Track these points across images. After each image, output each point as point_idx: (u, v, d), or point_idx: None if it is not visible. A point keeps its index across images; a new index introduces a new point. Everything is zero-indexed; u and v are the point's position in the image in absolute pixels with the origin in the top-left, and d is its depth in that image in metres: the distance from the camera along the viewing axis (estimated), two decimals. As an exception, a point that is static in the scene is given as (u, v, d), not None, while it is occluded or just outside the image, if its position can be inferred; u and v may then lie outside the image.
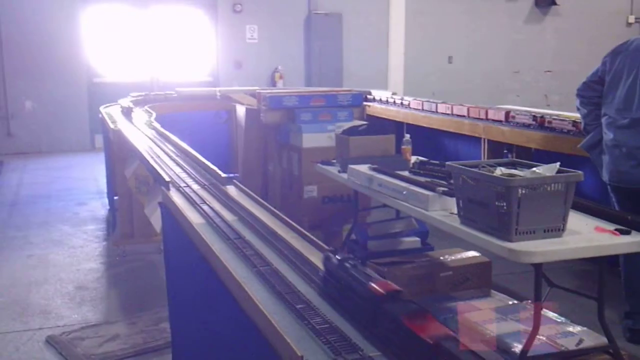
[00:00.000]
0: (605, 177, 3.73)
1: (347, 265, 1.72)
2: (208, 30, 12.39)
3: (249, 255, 2.13)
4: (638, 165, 3.54)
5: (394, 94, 7.77)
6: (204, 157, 3.79)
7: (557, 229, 2.63)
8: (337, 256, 1.80)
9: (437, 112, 6.31)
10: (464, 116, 5.84)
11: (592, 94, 3.81)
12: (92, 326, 4.13)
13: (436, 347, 1.29)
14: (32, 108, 11.57)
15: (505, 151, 5.29)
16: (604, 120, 3.72)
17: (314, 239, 2.29)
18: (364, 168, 3.83)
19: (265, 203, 2.86)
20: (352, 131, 4.39)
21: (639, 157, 3.54)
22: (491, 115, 5.48)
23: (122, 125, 5.60)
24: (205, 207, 2.76)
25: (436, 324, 1.38)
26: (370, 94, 7.42)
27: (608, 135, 3.69)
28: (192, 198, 2.93)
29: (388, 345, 1.45)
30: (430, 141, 6.56)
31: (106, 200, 7.28)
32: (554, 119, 4.80)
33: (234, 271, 1.94)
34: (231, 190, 3.07)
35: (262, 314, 1.64)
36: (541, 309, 2.87)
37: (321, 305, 1.72)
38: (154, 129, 5.32)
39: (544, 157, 4.79)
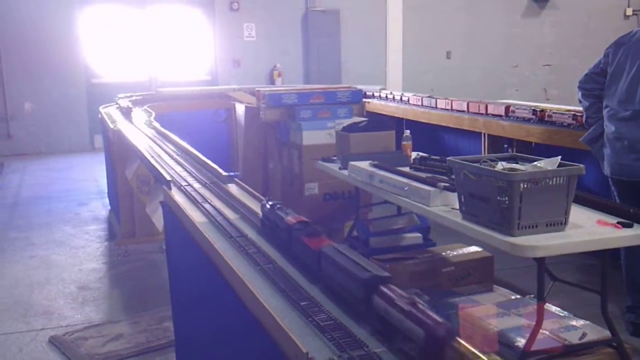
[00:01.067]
0: (606, 170, 3.72)
1: (275, 208, 2.29)
2: (206, 29, 12.38)
3: (252, 253, 2.13)
4: (639, 159, 3.53)
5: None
6: (204, 156, 3.79)
7: (559, 223, 2.63)
8: (269, 203, 2.36)
9: (436, 107, 6.31)
10: (463, 111, 5.84)
11: (594, 86, 3.80)
12: (95, 326, 4.13)
13: (319, 253, 1.90)
14: (32, 109, 11.57)
15: (505, 146, 5.29)
16: (605, 112, 3.71)
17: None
18: (364, 164, 3.83)
19: (267, 201, 2.86)
20: (352, 128, 4.39)
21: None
22: (491, 110, 5.48)
23: (122, 125, 5.60)
24: (207, 206, 2.76)
25: (325, 240, 1.96)
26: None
27: (609, 128, 3.68)
28: (193, 197, 2.93)
29: (297, 260, 2.04)
30: (430, 137, 6.57)
31: (107, 201, 7.29)
32: (554, 112, 4.80)
33: (237, 269, 1.94)
34: (232, 188, 3.07)
35: (267, 311, 1.64)
36: (544, 303, 2.87)
37: (325, 302, 1.72)
38: (154, 128, 5.32)
39: (544, 151, 4.80)
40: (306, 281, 1.89)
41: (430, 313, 1.38)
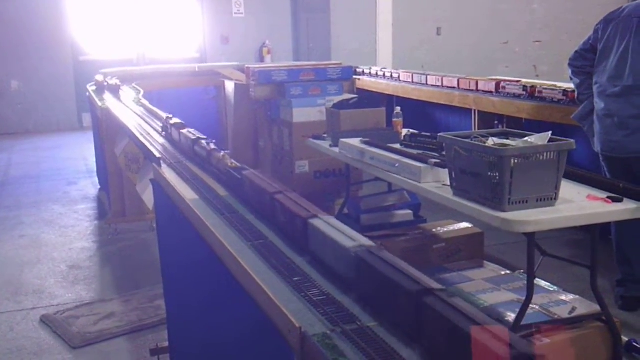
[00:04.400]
0: (597, 147, 3.73)
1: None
2: (194, 6, 12.26)
3: (244, 230, 2.13)
4: (630, 135, 3.54)
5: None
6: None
7: (549, 198, 2.64)
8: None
9: (427, 84, 6.30)
10: (454, 88, 5.83)
11: (584, 63, 3.79)
12: (87, 304, 4.13)
13: (272, 196, 2.12)
14: (19, 88, 11.45)
15: (495, 122, 5.30)
16: (595, 89, 3.71)
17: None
18: (355, 142, 3.82)
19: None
20: (342, 105, 4.38)
21: (631, 126, 3.53)
22: (481, 86, 5.48)
23: (110, 103, 5.55)
24: (197, 183, 2.75)
25: (276, 185, 2.24)
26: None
27: (599, 105, 3.69)
28: (184, 174, 2.91)
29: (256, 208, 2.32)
30: (421, 113, 6.56)
31: (96, 180, 7.25)
32: (544, 88, 4.80)
33: (229, 246, 1.93)
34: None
35: (259, 287, 1.64)
36: (534, 278, 2.89)
37: (318, 278, 1.72)
38: (143, 106, 5.28)
39: (534, 127, 4.80)
40: (299, 256, 1.88)
41: None
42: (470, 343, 1.13)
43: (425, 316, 1.29)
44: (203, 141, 3.00)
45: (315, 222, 1.84)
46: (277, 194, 2.14)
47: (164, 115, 4.11)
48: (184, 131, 3.31)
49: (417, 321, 1.32)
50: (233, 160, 2.70)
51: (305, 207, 1.99)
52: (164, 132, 3.82)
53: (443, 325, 1.23)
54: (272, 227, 2.13)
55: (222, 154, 2.78)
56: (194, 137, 3.12)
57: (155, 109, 4.90)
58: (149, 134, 4.01)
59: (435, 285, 1.38)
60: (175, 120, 3.63)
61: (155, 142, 3.70)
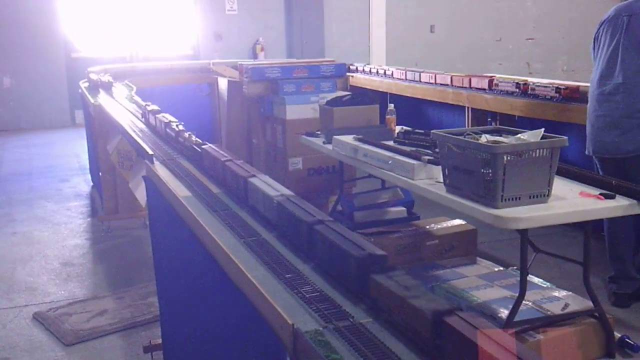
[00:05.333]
0: (588, 149, 3.72)
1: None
2: (187, 3, 12.22)
3: (236, 227, 2.12)
4: (622, 135, 3.54)
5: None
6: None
7: (542, 195, 2.65)
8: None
9: (420, 81, 6.30)
10: (447, 85, 5.84)
11: None
12: (80, 302, 4.12)
13: (223, 163, 2.44)
14: (11, 85, 11.39)
15: (489, 119, 5.31)
16: (590, 89, 3.73)
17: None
18: (348, 139, 3.82)
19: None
20: (336, 102, 4.37)
21: (623, 126, 3.53)
22: (475, 83, 5.48)
23: (103, 100, 5.53)
24: (190, 180, 2.74)
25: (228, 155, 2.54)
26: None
27: (591, 106, 3.70)
28: (176, 171, 2.90)
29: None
30: (414, 111, 6.56)
31: (89, 177, 7.23)
32: (537, 86, 4.81)
33: (222, 243, 1.93)
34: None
35: (252, 284, 1.63)
36: (527, 274, 2.90)
37: (310, 274, 1.72)
38: (135, 103, 5.26)
39: (527, 124, 4.81)
40: (293, 256, 1.88)
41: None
42: (343, 255, 1.59)
43: (316, 240, 1.76)
44: (173, 124, 3.48)
45: (253, 180, 2.29)
46: (228, 161, 2.56)
47: (143, 102, 4.53)
48: (159, 116, 3.80)
49: (309, 242, 1.80)
50: (196, 138, 3.12)
51: (248, 170, 2.43)
52: (143, 119, 4.31)
53: (328, 245, 1.69)
54: (222, 188, 2.54)
55: (187, 133, 3.22)
56: (166, 121, 3.59)
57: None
58: (141, 130, 4.00)
59: (326, 217, 1.86)
60: (153, 107, 4.12)
61: (147, 140, 3.69)
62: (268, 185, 2.21)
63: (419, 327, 1.27)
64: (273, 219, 2.07)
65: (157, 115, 3.84)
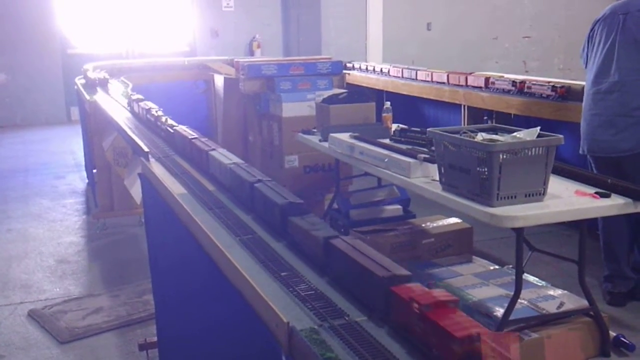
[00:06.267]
0: (583, 148, 3.72)
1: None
2: (183, -1, 12.20)
3: (232, 225, 2.12)
4: (618, 133, 3.54)
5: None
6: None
7: (538, 193, 2.65)
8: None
9: (417, 79, 6.30)
10: (443, 83, 5.84)
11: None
12: (75, 299, 4.11)
13: (190, 140, 2.87)
14: (6, 81, 11.36)
15: (485, 117, 5.31)
16: (586, 88, 3.73)
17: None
18: (345, 136, 3.82)
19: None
20: (332, 100, 4.37)
21: (619, 125, 3.53)
22: (471, 81, 5.48)
23: (99, 96, 5.52)
24: (186, 178, 2.73)
25: (195, 134, 3.03)
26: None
27: (586, 104, 3.70)
28: (172, 169, 2.90)
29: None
30: (411, 109, 6.56)
31: (84, 174, 7.21)
32: (534, 84, 4.81)
33: (217, 240, 1.93)
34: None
35: (247, 282, 1.63)
36: (522, 273, 2.91)
37: (306, 272, 1.72)
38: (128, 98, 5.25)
39: (523, 122, 4.81)
40: (287, 251, 1.88)
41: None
42: (272, 204, 2.02)
43: (256, 195, 2.18)
44: (153, 110, 3.90)
45: (213, 153, 2.70)
46: (194, 139, 2.98)
47: (128, 92, 4.96)
48: (141, 104, 4.22)
49: (251, 197, 2.22)
50: (171, 121, 3.54)
51: (210, 145, 2.84)
52: (128, 107, 4.71)
53: (263, 198, 2.11)
54: (190, 163, 2.95)
55: (164, 118, 3.64)
56: (147, 108, 4.02)
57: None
58: (137, 127, 3.99)
59: (266, 178, 2.27)
60: (137, 96, 4.57)
61: (143, 137, 3.68)
62: (224, 157, 2.62)
63: (316, 250, 1.74)
64: (226, 182, 2.50)
65: (139, 103, 4.24)
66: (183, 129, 3.28)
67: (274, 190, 2.12)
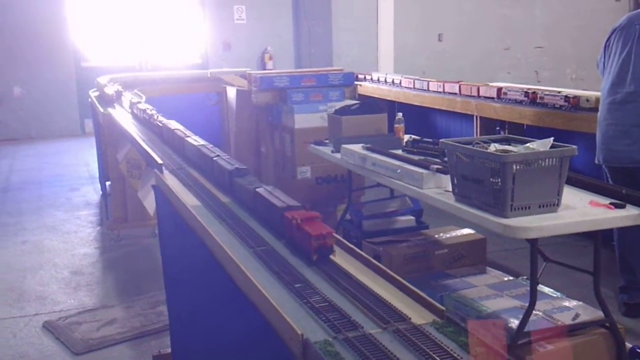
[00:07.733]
0: (599, 158, 3.71)
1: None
2: (196, 12, 12.28)
3: (246, 236, 2.13)
4: (633, 144, 3.52)
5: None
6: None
7: (552, 204, 2.64)
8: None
9: (428, 90, 6.31)
10: (456, 94, 5.84)
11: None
12: (89, 311, 4.13)
13: (173, 131, 3.53)
14: (21, 94, 11.47)
15: (497, 128, 5.30)
16: (601, 98, 3.72)
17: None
18: (357, 147, 3.82)
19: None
20: (344, 111, 4.38)
21: (634, 135, 3.51)
22: (483, 92, 5.48)
23: (112, 109, 5.56)
24: (199, 189, 2.75)
25: (177, 126, 3.83)
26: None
27: (602, 114, 3.68)
28: (185, 180, 2.91)
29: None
30: (423, 119, 6.56)
31: (98, 186, 7.26)
32: (546, 94, 4.80)
33: (231, 252, 1.93)
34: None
35: (261, 294, 1.63)
36: (537, 284, 2.89)
37: (319, 284, 1.72)
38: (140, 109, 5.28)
39: (536, 133, 4.80)
40: (301, 263, 1.88)
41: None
42: (221, 169, 2.73)
43: (213, 167, 2.81)
44: (148, 110, 4.46)
45: (188, 139, 3.34)
46: (176, 130, 3.65)
47: (130, 97, 5.38)
48: (140, 106, 4.77)
49: (211, 169, 2.85)
50: (161, 117, 4.12)
51: (187, 134, 3.49)
52: (130, 110, 5.20)
53: (218, 167, 2.75)
54: (172, 149, 3.54)
55: (156, 116, 4.21)
56: (143, 108, 4.58)
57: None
58: (150, 139, 4.02)
59: (223, 153, 2.94)
60: (137, 99, 5.10)
61: (157, 149, 3.71)
62: (196, 141, 3.26)
63: (249, 200, 2.42)
64: (194, 158, 3.20)
65: (137, 105, 4.82)
66: (168, 122, 3.87)
67: (226, 161, 2.75)
